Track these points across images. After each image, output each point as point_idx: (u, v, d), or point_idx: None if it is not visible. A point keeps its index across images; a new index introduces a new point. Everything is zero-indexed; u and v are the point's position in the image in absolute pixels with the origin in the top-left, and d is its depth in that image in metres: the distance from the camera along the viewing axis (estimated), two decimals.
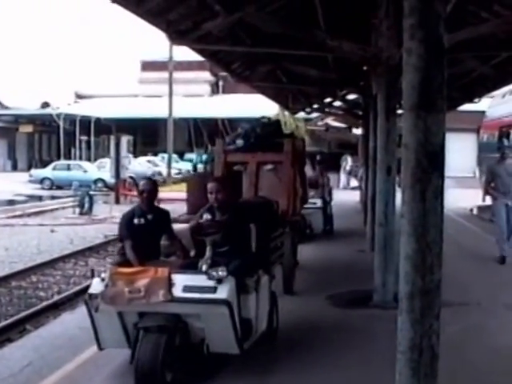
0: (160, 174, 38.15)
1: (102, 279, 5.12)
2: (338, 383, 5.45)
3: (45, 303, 10.07)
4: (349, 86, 15.95)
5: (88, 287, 5.43)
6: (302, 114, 26.78)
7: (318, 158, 16.93)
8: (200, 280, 5.02)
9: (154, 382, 4.83)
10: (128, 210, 6.17)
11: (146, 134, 51.97)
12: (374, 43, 8.43)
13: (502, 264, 10.60)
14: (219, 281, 4.97)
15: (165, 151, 41.82)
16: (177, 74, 42.57)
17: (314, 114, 26.72)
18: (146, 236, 5.66)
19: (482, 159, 23.62)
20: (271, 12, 8.90)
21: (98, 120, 47.13)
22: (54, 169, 36.10)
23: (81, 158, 45.46)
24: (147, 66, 57.23)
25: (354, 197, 21.64)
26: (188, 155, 47.11)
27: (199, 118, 47.44)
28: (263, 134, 8.88)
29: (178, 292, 4.98)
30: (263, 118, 9.57)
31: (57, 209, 24.68)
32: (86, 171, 34.51)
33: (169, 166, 39.05)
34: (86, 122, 46.68)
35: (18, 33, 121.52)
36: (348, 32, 9.04)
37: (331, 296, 8.32)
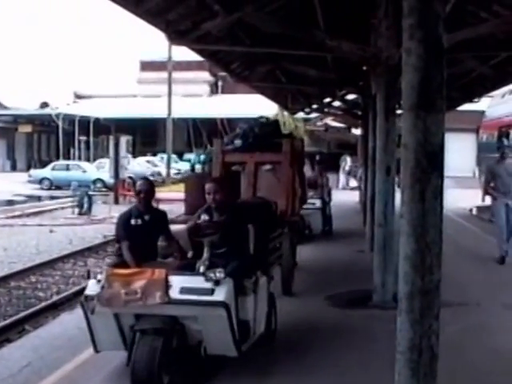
0: (159, 174, 38.14)
1: (98, 281, 5.07)
2: None
3: (44, 303, 10.06)
4: (348, 86, 15.95)
5: (84, 288, 5.37)
6: (301, 114, 26.79)
7: (317, 158, 16.92)
8: (197, 282, 4.96)
9: None
10: (125, 210, 6.12)
11: (145, 134, 51.95)
12: (374, 43, 8.43)
13: (501, 264, 10.60)
14: (217, 282, 4.92)
15: (164, 151, 41.80)
16: (176, 74, 42.56)
17: (313, 114, 26.71)
18: (143, 237, 5.61)
19: (481, 159, 23.64)
20: (270, 12, 8.90)
21: (97, 120, 47.12)
22: (53, 169, 36.10)
23: (80, 158, 45.45)
24: (146, 66, 57.22)
25: (354, 197, 21.63)
26: (187, 155, 47.07)
27: (198, 118, 47.40)
28: (261, 134, 8.83)
29: (174, 294, 4.93)
30: (261, 117, 9.48)
31: (56, 209, 24.67)
32: (85, 171, 34.50)
33: (168, 167, 39.04)
34: (85, 122, 46.65)
35: (17, 33, 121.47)
36: (347, 32, 9.03)
37: (330, 296, 8.31)
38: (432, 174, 3.64)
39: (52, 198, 29.66)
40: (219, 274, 4.93)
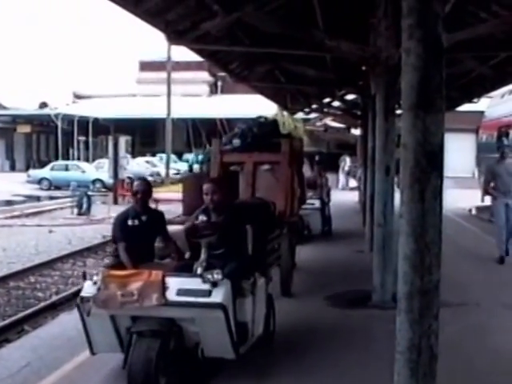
0: (158, 174, 38.15)
1: (94, 282, 5.01)
2: None
3: (43, 304, 10.06)
4: (347, 86, 15.94)
5: (80, 290, 5.32)
6: (300, 115, 26.80)
7: (316, 158, 16.90)
8: (194, 283, 4.91)
9: None
10: (122, 211, 6.07)
11: (145, 135, 51.95)
12: (373, 43, 8.43)
13: (500, 264, 10.60)
14: (214, 284, 4.86)
15: (163, 151, 41.81)
16: (175, 74, 42.56)
17: (313, 115, 26.72)
18: (140, 238, 5.56)
19: (480, 159, 23.63)
20: (269, 12, 8.89)
21: (96, 120, 47.12)
22: (52, 169, 36.08)
23: (79, 159, 45.44)
24: (145, 66, 57.21)
25: (353, 197, 21.64)
26: (186, 155, 47.08)
27: (198, 118, 47.40)
28: (260, 133, 8.77)
29: (171, 295, 4.88)
30: (260, 117, 9.42)
31: (55, 209, 24.66)
32: (84, 171, 34.48)
33: (167, 167, 39.03)
34: (84, 123, 46.65)
35: (16, 33, 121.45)
36: (346, 32, 9.03)
37: (329, 297, 8.31)
38: (431, 174, 3.64)
39: (51, 198, 29.64)
40: (217, 275, 4.87)
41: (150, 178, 35.08)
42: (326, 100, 19.26)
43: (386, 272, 7.86)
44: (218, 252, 5.40)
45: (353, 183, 28.47)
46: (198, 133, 48.29)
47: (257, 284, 5.55)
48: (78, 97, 58.92)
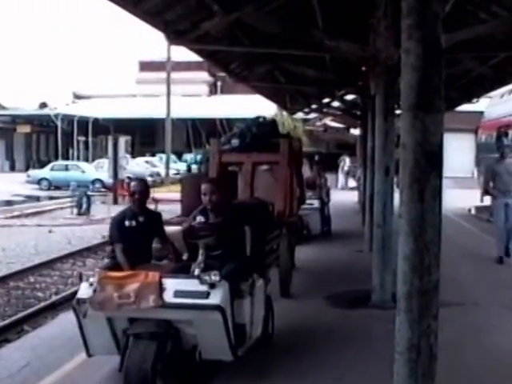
0: (158, 174, 38.15)
1: (91, 284, 4.95)
2: None
3: (43, 304, 10.05)
4: (347, 87, 15.95)
5: (76, 292, 5.26)
6: (300, 115, 26.82)
7: (316, 158, 16.90)
8: (192, 285, 4.85)
9: None
10: (119, 211, 6.01)
11: (144, 135, 51.98)
12: (372, 43, 8.43)
13: (499, 264, 10.61)
14: (212, 285, 4.80)
15: (163, 151, 41.81)
16: (175, 75, 42.55)
17: (312, 115, 26.74)
18: (137, 239, 5.49)
19: (480, 159, 23.65)
20: (269, 12, 8.91)
21: (95, 120, 47.13)
22: (52, 169, 36.09)
23: (79, 159, 45.44)
24: (145, 66, 57.25)
25: (353, 197, 21.64)
26: (186, 155, 47.10)
27: (197, 118, 47.43)
28: (259, 133, 8.72)
29: (169, 297, 4.81)
30: (259, 117, 9.35)
31: (55, 209, 24.66)
32: (83, 172, 34.48)
33: (167, 167, 39.04)
34: (83, 123, 46.66)
35: (16, 33, 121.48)
36: (346, 32, 9.03)
37: (329, 297, 8.31)
38: (431, 174, 3.64)
39: (51, 198, 29.65)
40: (214, 276, 4.81)
41: (149, 178, 35.19)
42: (326, 100, 19.26)
43: (385, 272, 7.87)
44: (216, 253, 5.34)
45: (352, 183, 28.48)
46: (197, 133, 48.32)
47: (255, 285, 5.50)
48: (77, 97, 58.95)
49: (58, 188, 33.28)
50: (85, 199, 22.61)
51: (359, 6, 9.09)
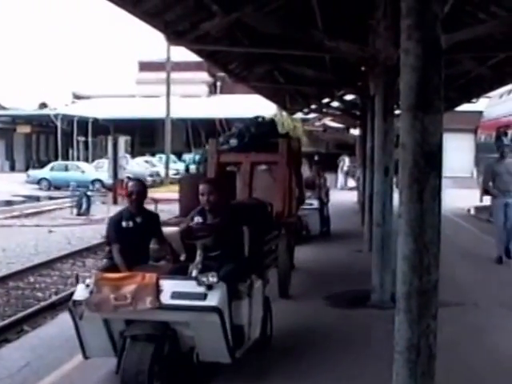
0: (158, 174, 38.17)
1: (87, 285, 4.91)
2: None
3: (42, 304, 10.06)
4: (346, 87, 15.96)
5: (72, 294, 5.22)
6: (299, 115, 26.82)
7: (315, 158, 16.90)
8: (189, 286, 4.80)
9: None
10: (116, 212, 5.97)
11: (144, 135, 51.97)
12: (372, 44, 8.44)
13: (499, 264, 10.61)
14: (209, 287, 4.75)
15: (162, 152, 41.82)
16: (174, 75, 42.56)
17: (312, 115, 26.76)
18: (134, 239, 5.46)
19: (479, 159, 23.66)
20: (269, 12, 8.91)
21: (95, 120, 47.13)
22: (52, 169, 36.09)
23: (78, 159, 45.45)
24: (145, 66, 57.21)
25: (352, 197, 21.64)
26: (186, 156, 47.11)
27: (197, 118, 47.40)
28: (258, 133, 8.68)
29: (166, 299, 4.76)
30: (257, 117, 9.30)
31: (54, 209, 24.65)
32: (83, 172, 34.48)
33: (166, 167, 39.04)
34: (83, 123, 46.67)
35: (16, 33, 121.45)
36: (346, 32, 9.04)
37: (328, 297, 8.31)
38: (430, 174, 3.65)
39: (50, 198, 29.63)
40: (212, 278, 4.76)
41: (149, 178, 35.28)
42: (325, 100, 19.26)
43: (384, 272, 7.87)
44: (214, 254, 5.31)
45: (351, 183, 28.48)
46: (197, 133, 48.27)
47: (253, 286, 5.47)
48: (77, 97, 58.92)
49: (57, 188, 33.29)
50: (84, 199, 22.62)
51: (359, 7, 9.09)
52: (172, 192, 23.03)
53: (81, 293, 4.94)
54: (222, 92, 55.43)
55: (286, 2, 8.99)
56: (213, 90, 57.77)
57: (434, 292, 3.69)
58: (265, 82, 15.54)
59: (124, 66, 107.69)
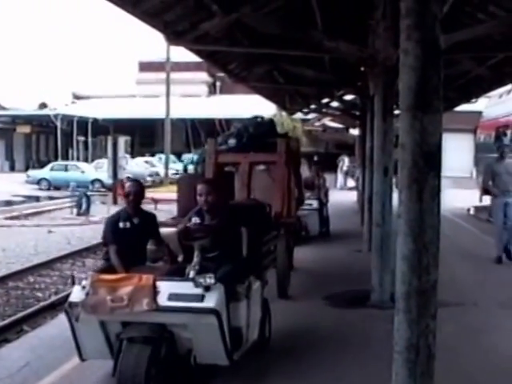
0: (157, 174, 38.19)
1: (83, 287, 4.85)
2: None
3: (42, 304, 10.06)
4: (346, 87, 15.97)
5: (69, 295, 5.16)
6: (299, 115, 26.83)
7: (315, 158, 16.89)
8: (187, 287, 4.74)
9: None
10: (113, 213, 5.93)
11: (144, 135, 51.99)
12: (371, 44, 8.44)
13: (498, 264, 10.62)
14: (207, 288, 4.69)
15: (162, 152, 41.83)
16: (174, 75, 42.56)
17: (311, 115, 26.76)
18: (131, 240, 5.40)
19: (478, 159, 23.67)
20: (268, 12, 8.91)
21: (95, 121, 47.15)
22: (52, 169, 36.10)
23: (78, 159, 45.47)
24: (145, 66, 57.23)
25: (351, 197, 21.66)
26: (186, 156, 47.12)
27: (197, 118, 47.43)
28: (256, 133, 8.63)
29: (163, 300, 4.70)
30: (256, 117, 9.26)
31: (54, 209, 24.65)
32: (83, 172, 34.49)
33: (166, 167, 39.05)
34: (83, 123, 46.70)
35: (16, 33, 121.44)
36: (345, 33, 9.04)
37: (328, 297, 8.31)
38: (429, 174, 3.65)
39: (50, 198, 29.62)
40: (209, 279, 4.70)
41: (149, 178, 35.30)
42: (325, 100, 19.27)
43: (384, 272, 7.88)
44: (212, 255, 5.25)
45: (351, 183, 28.49)
46: (196, 133, 48.28)
47: (252, 287, 5.43)
48: (77, 97, 58.93)
49: (57, 188, 33.30)
50: (84, 199, 22.62)
51: (358, 7, 9.10)
52: (172, 192, 22.96)
53: (77, 294, 4.90)
54: (221, 92, 55.44)
55: (286, 3, 9.00)
56: (212, 90, 57.78)
57: (433, 292, 3.70)
58: (264, 82, 15.55)
59: (124, 66, 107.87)
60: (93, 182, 32.66)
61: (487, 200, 13.21)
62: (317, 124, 34.70)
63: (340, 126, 32.88)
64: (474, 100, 18.39)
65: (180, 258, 5.60)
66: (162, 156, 41.64)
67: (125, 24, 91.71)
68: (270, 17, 8.90)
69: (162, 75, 41.67)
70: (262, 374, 5.52)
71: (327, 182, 15.96)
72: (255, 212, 6.76)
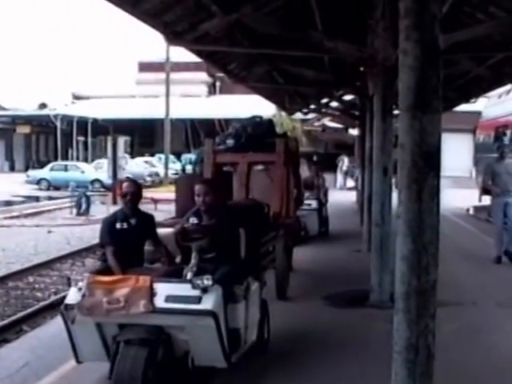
0: (157, 174, 38.21)
1: (79, 288, 4.77)
2: None
3: (42, 304, 10.06)
4: (345, 87, 15.97)
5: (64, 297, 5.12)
6: (298, 115, 26.84)
7: (314, 158, 16.89)
8: (184, 289, 4.67)
9: None
10: (110, 213, 5.85)
11: (143, 135, 52.01)
12: (370, 44, 8.45)
13: (497, 264, 10.62)
14: (204, 290, 4.62)
15: (162, 152, 41.82)
16: (174, 75, 42.56)
17: (311, 115, 26.77)
18: (128, 241, 5.32)
19: (478, 159, 23.69)
20: (268, 13, 8.92)
21: (95, 121, 47.17)
22: (52, 169, 36.12)
23: (78, 159, 45.48)
24: (144, 66, 57.22)
25: (351, 197, 21.66)
26: (185, 156, 47.14)
27: (196, 118, 47.46)
28: (255, 133, 8.57)
29: (160, 302, 4.64)
30: (255, 117, 9.16)
31: (54, 209, 24.66)
32: (83, 172, 34.51)
33: (166, 167, 39.06)
34: (83, 123, 46.72)
35: (15, 34, 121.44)
36: (344, 33, 9.05)
37: (327, 297, 8.31)
38: (428, 174, 3.66)
39: (50, 198, 29.63)
40: (207, 281, 4.64)
41: (148, 178, 35.30)
42: (324, 100, 19.28)
43: (383, 272, 7.88)
44: (210, 256, 5.20)
45: (351, 183, 28.50)
46: (196, 133, 48.30)
47: (250, 289, 5.38)
48: (77, 97, 58.92)
49: (57, 188, 33.31)
50: (84, 199, 22.62)
51: (357, 8, 9.11)
52: (171, 192, 23.00)
53: (73, 296, 4.83)
54: (221, 92, 55.43)
55: (285, 3, 9.00)
56: (212, 90, 57.77)
57: (432, 292, 3.71)
58: (264, 83, 15.56)
59: (124, 67, 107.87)
60: (92, 182, 32.66)
61: (486, 200, 13.22)
62: (316, 124, 34.72)
63: (339, 126, 32.88)
64: (473, 100, 18.42)
65: (178, 259, 5.54)
66: (162, 156, 41.64)
67: (125, 24, 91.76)
68: (269, 17, 8.91)
69: (162, 75, 41.67)
70: (261, 376, 5.50)
71: (326, 182, 15.97)
72: (254, 212, 6.71)
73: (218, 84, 55.99)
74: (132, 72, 60.44)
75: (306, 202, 11.82)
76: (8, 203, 27.03)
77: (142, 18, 7.76)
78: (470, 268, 10.46)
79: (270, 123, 9.42)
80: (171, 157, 42.32)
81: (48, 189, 34.29)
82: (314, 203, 13.58)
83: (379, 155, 8.06)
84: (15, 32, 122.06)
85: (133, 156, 41.96)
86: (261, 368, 5.64)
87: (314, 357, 5.93)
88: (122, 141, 27.74)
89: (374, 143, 8.29)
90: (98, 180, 32.85)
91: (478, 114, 25.15)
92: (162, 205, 20.97)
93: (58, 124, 45.23)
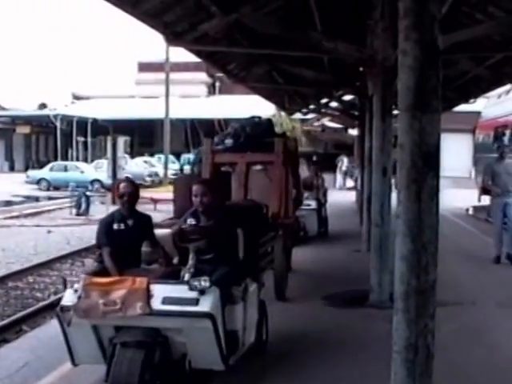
0: (157, 174, 38.20)
1: (75, 290, 4.72)
2: None
3: (41, 304, 10.06)
4: (345, 87, 15.98)
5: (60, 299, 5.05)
6: (298, 115, 26.85)
7: (314, 158, 16.90)
8: (181, 291, 4.62)
9: None
10: (107, 214, 5.82)
11: (143, 135, 51.96)
12: (370, 44, 8.46)
13: (497, 264, 10.63)
14: (202, 292, 4.56)
15: (161, 152, 41.79)
16: (173, 75, 42.52)
17: (311, 115, 26.77)
18: (125, 242, 5.26)
19: (477, 159, 23.69)
20: (267, 13, 8.93)
21: (94, 121, 47.14)
22: (51, 170, 36.10)
23: (78, 159, 45.44)
24: (144, 67, 57.20)
25: (350, 197, 21.67)
26: (185, 156, 47.13)
27: (196, 118, 47.40)
28: (253, 133, 8.54)
29: (156, 304, 4.58)
30: (254, 117, 9.14)
31: (54, 210, 24.66)
32: (82, 172, 34.50)
33: (165, 167, 39.05)
34: (83, 123, 46.68)
35: (15, 34, 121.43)
36: (344, 33, 9.06)
37: (326, 297, 8.31)
38: (428, 175, 3.66)
39: (50, 198, 29.62)
40: (204, 282, 4.58)
41: (148, 179, 35.28)
42: (324, 101, 19.29)
43: (383, 272, 7.89)
44: (208, 257, 5.16)
45: (350, 183, 28.51)
46: (196, 133, 48.26)
47: (248, 290, 5.35)
48: (76, 98, 58.90)
49: (57, 188, 33.31)
50: (84, 199, 22.63)
51: (357, 8, 9.12)
52: (171, 192, 23.00)
53: (69, 298, 4.77)
54: (220, 92, 55.40)
55: (285, 3, 9.01)
56: (212, 90, 57.75)
57: (431, 292, 3.71)
58: (263, 83, 15.56)
59: (123, 67, 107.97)
60: (92, 182, 32.65)
61: (486, 200, 13.22)
62: (316, 124, 34.72)
63: (339, 126, 32.91)
64: (472, 100, 18.40)
65: (175, 260, 5.50)
66: (162, 156, 41.61)
67: (124, 25, 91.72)
68: (269, 17, 8.91)
69: (162, 76, 41.65)
70: (259, 378, 5.48)
71: (326, 182, 15.97)
72: (252, 213, 6.67)
73: (217, 84, 55.97)
74: (132, 72, 60.53)
75: (305, 202, 11.79)
76: (8, 203, 27.03)
77: (142, 18, 7.77)
78: (469, 268, 10.46)
79: (268, 123, 9.37)
80: (171, 157, 42.29)
81: (48, 189, 34.27)
82: (313, 203, 13.56)
83: (378, 155, 8.06)
84: (15, 32, 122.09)
85: (132, 156, 41.94)
86: (259, 369, 5.62)
87: (314, 357, 5.93)
88: (121, 141, 27.75)
89: (374, 143, 8.30)
90: (97, 180, 32.84)
91: (478, 114, 25.15)
92: (161, 205, 20.98)
93: (58, 124, 45.21)
